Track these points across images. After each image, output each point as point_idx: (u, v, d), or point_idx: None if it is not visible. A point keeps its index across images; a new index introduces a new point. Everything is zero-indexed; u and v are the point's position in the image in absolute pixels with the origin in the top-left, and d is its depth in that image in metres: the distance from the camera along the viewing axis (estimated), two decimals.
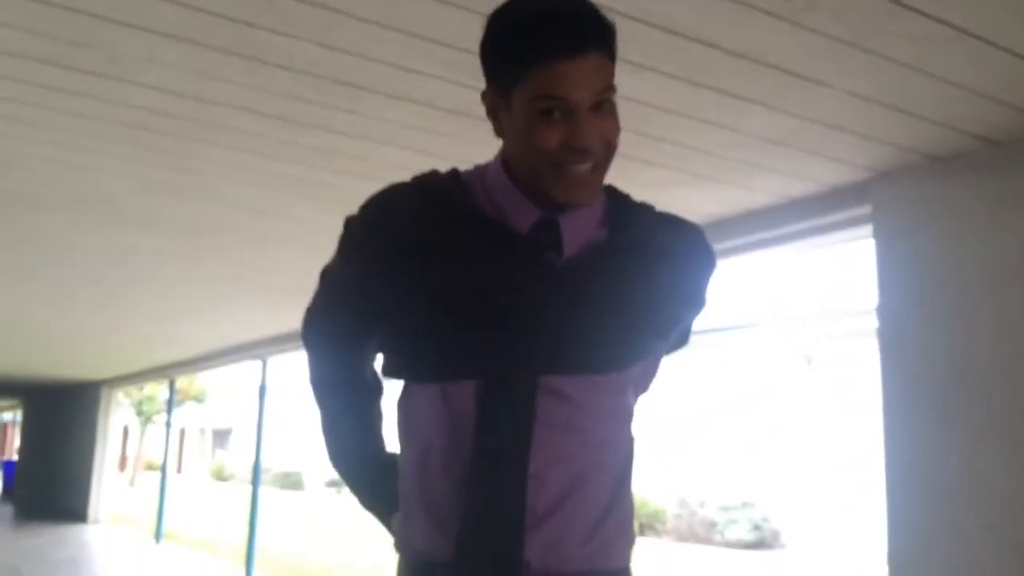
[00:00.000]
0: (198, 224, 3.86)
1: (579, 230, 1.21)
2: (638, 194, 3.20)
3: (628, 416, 1.27)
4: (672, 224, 1.32)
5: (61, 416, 17.09)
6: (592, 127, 1.10)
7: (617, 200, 1.29)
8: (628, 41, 1.94)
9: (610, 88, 1.12)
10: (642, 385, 1.31)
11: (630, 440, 1.27)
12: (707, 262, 1.34)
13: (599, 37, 1.11)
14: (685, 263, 1.29)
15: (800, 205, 3.06)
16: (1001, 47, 1.93)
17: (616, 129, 1.15)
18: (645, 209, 1.31)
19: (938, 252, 2.65)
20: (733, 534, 14.21)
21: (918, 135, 2.47)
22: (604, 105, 1.12)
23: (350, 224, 1.28)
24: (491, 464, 1.14)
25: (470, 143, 2.40)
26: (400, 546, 1.25)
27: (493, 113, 1.19)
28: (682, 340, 1.38)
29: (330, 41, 2.05)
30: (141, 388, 24.76)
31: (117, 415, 15.62)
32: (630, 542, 1.24)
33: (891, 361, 2.75)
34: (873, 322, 2.83)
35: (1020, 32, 1.89)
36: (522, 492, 1.13)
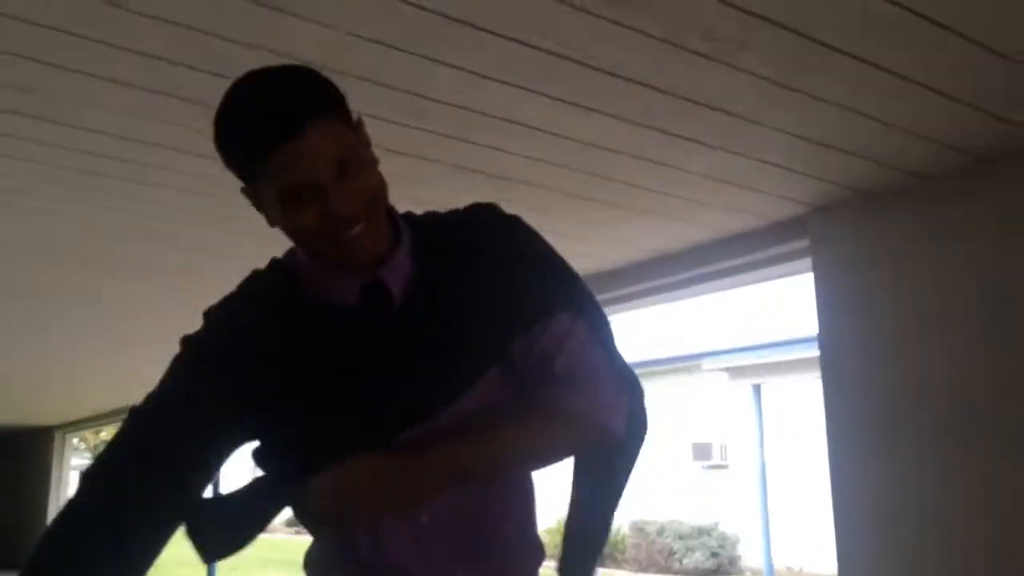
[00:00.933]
0: (151, 265, 3.82)
1: (399, 275, 1.22)
2: (587, 231, 3.25)
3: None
4: (461, 222, 1.31)
5: (11, 463, 16.62)
6: (344, 194, 1.09)
7: (418, 226, 1.29)
8: (578, 86, 2.02)
9: (349, 147, 1.11)
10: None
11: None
12: (505, 236, 1.31)
13: (315, 110, 1.08)
14: (490, 254, 1.26)
15: (742, 239, 3.13)
16: (920, 83, 2.00)
17: (372, 182, 1.15)
18: (437, 224, 1.31)
19: (875, 284, 2.73)
20: (691, 561, 14.25)
21: (850, 171, 2.55)
22: (350, 166, 1.10)
23: (190, 345, 1.26)
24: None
25: (415, 183, 2.43)
26: None
27: (257, 206, 1.18)
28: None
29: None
30: (98, 432, 24.16)
31: (72, 461, 15.23)
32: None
33: (832, 391, 2.82)
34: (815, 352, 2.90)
35: (935, 69, 1.96)
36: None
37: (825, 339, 2.86)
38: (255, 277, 1.29)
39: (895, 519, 2.58)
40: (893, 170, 2.53)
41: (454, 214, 1.32)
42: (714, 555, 14.40)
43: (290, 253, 1.29)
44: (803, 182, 2.64)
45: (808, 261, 2.93)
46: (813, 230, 2.88)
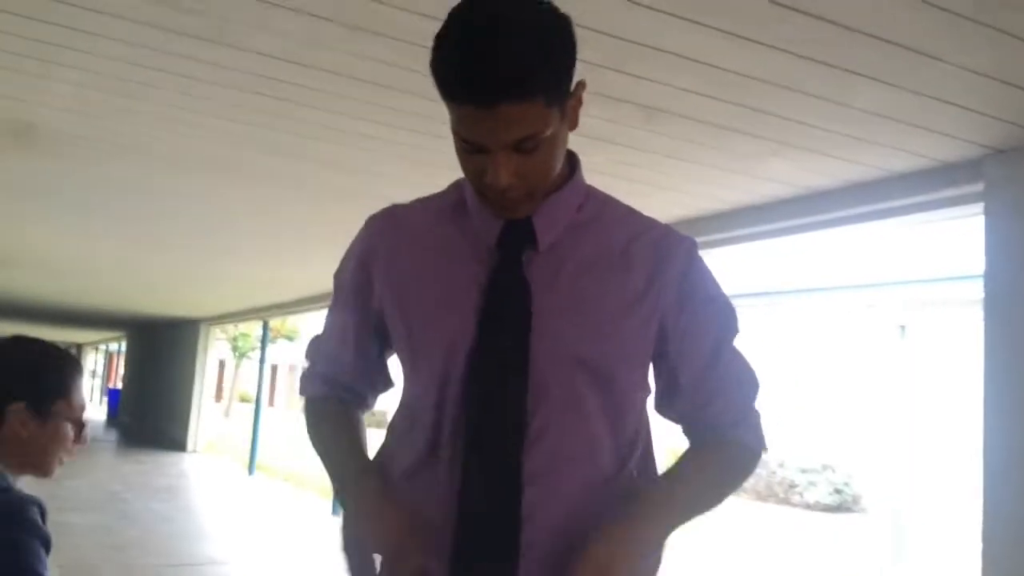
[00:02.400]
0: (294, 178, 3.95)
1: (556, 218, 1.22)
2: (737, 164, 3.15)
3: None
4: (643, 223, 1.29)
5: (163, 349, 17.93)
6: (505, 166, 1.09)
7: (599, 199, 1.30)
8: (733, 12, 1.91)
9: (531, 136, 1.08)
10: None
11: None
12: (679, 260, 1.26)
13: (517, 90, 1.04)
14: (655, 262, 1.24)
15: (907, 180, 2.95)
16: None
17: (541, 166, 1.13)
18: (618, 204, 1.31)
19: None
20: (813, 496, 14.03)
21: None
22: (525, 146, 1.09)
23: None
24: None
25: None
26: None
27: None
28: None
29: (431, 10, 2.05)
30: (236, 326, 25.69)
31: (214, 350, 16.28)
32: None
33: (995, 342, 2.66)
34: (970, 291, 2.74)
35: None
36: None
37: (991, 286, 2.69)
38: (438, 193, 1.34)
39: None
40: None
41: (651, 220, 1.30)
42: (837, 492, 14.15)
43: (462, 183, 1.31)
44: (981, 122, 2.45)
45: (979, 206, 2.74)
46: (989, 173, 2.68)
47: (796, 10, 1.88)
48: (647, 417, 1.29)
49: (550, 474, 1.16)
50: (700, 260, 1.28)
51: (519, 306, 1.18)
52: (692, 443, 1.30)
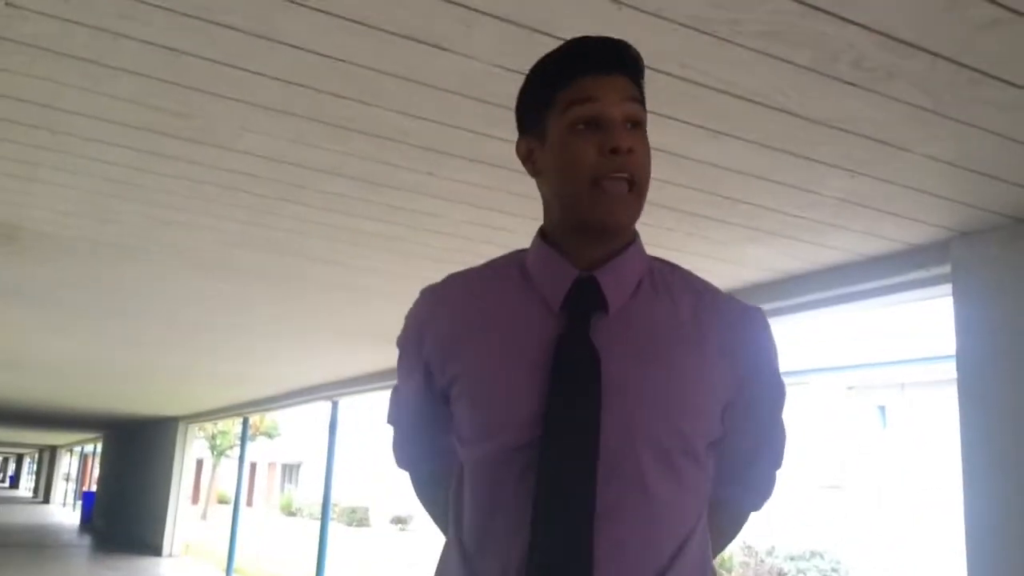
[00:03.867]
0: (278, 274, 3.98)
1: (619, 284, 1.20)
2: (714, 251, 3.22)
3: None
4: (720, 298, 1.27)
5: (139, 449, 17.57)
6: (626, 135, 1.14)
7: (659, 261, 1.28)
8: (707, 109, 2.00)
9: (639, 116, 1.17)
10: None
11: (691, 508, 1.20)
12: (759, 343, 1.25)
13: (627, 63, 1.18)
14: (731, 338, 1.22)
15: (878, 263, 3.03)
16: None
17: (647, 152, 1.18)
18: (688, 275, 1.29)
19: (1020, 312, 2.60)
20: None
21: (1001, 196, 2.44)
22: (638, 128, 1.17)
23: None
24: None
25: (539, 200, 2.45)
26: None
27: (528, 156, 1.24)
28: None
29: (412, 110, 2.13)
30: (215, 423, 25.33)
31: (192, 449, 15.99)
32: None
33: (971, 424, 2.69)
34: (948, 372, 2.78)
35: None
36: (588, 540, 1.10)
37: (964, 364, 2.74)
38: (495, 259, 1.33)
39: None
40: None
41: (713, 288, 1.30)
42: None
43: (523, 251, 1.30)
44: (948, 207, 2.54)
45: (948, 287, 2.81)
46: (956, 255, 2.76)
47: (765, 106, 1.97)
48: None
49: (614, 556, 1.11)
50: (770, 331, 1.27)
51: (588, 372, 1.13)
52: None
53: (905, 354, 9.76)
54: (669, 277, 1.26)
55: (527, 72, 1.24)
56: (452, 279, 1.32)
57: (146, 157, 2.53)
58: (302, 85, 2.02)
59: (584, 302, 1.18)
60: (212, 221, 3.18)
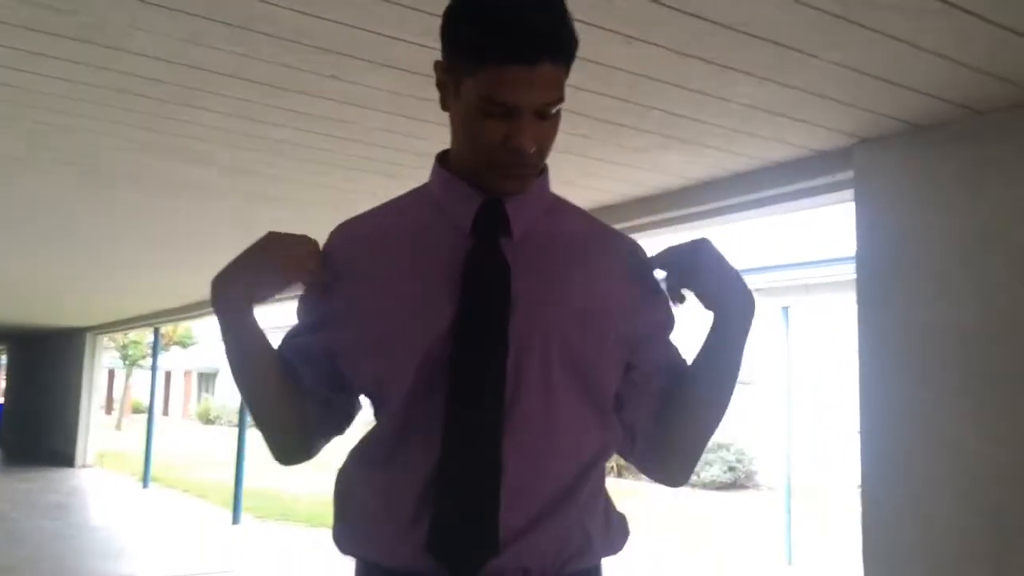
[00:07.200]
0: (184, 182, 3.85)
1: (523, 214, 1.23)
2: (626, 158, 3.23)
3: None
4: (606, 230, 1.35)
5: (47, 360, 17.13)
6: (531, 131, 1.12)
7: (560, 198, 1.33)
8: (619, 13, 1.97)
9: (558, 100, 1.13)
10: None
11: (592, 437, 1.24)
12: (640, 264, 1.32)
13: (557, 49, 1.10)
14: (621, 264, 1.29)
15: (784, 169, 3.09)
16: (988, 20, 1.95)
17: (553, 135, 1.17)
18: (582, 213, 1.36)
19: (918, 218, 2.69)
20: (709, 475, 14.51)
21: (902, 104, 2.49)
22: (548, 114, 1.13)
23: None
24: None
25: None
26: (352, 551, 1.24)
27: (442, 86, 1.19)
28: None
29: (314, 9, 2.04)
30: (126, 334, 24.75)
31: (102, 359, 15.66)
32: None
33: (867, 324, 2.81)
34: (847, 274, 2.88)
35: (1006, 6, 1.90)
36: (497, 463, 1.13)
37: (863, 271, 2.84)
38: (396, 198, 1.33)
39: (923, 458, 2.61)
40: (945, 103, 2.47)
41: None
42: (731, 469, 14.68)
43: (426, 184, 1.31)
44: (851, 114, 2.59)
45: (850, 192, 2.90)
46: (858, 161, 2.83)
47: (678, 10, 1.94)
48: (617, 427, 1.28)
49: (521, 464, 1.14)
50: (647, 258, 1.32)
51: (498, 283, 1.17)
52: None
53: (809, 257, 10.10)
54: (565, 208, 1.33)
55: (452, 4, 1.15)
56: (362, 216, 1.32)
57: (24, 56, 2.37)
58: None
59: (491, 225, 1.21)
60: (108, 127, 3.02)
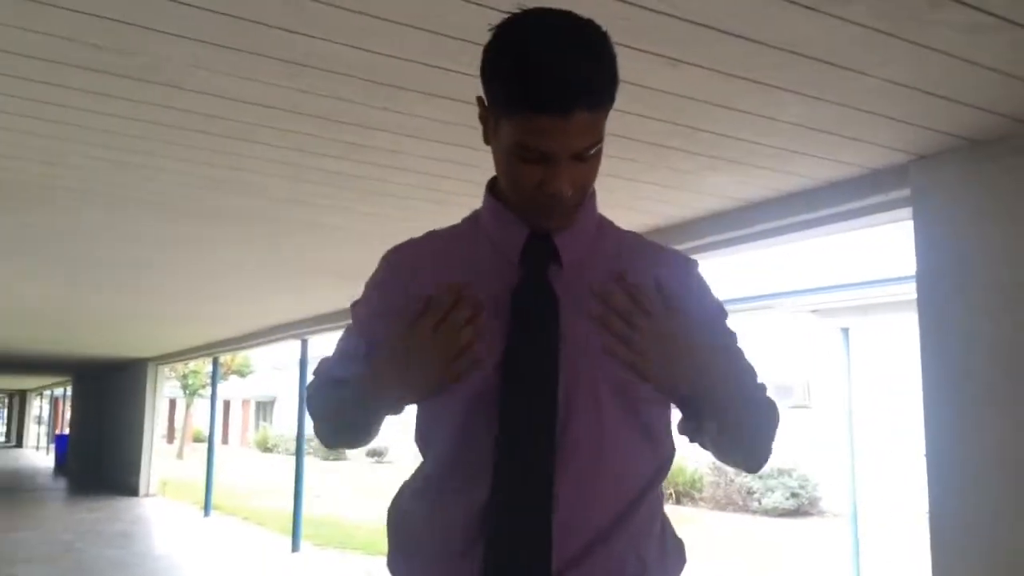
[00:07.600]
0: (243, 214, 3.94)
1: (573, 243, 1.23)
2: (675, 180, 3.22)
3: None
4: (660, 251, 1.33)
5: (110, 391, 17.55)
6: (568, 175, 1.11)
7: (613, 225, 1.32)
8: (664, 37, 1.98)
9: (596, 143, 1.11)
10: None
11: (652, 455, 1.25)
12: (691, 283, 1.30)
13: (593, 97, 1.07)
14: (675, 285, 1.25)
15: (838, 188, 3.05)
16: None
17: (594, 174, 1.16)
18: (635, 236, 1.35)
19: (980, 232, 2.64)
20: (771, 501, 14.20)
21: (958, 119, 2.45)
22: (586, 156, 1.12)
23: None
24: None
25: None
26: None
27: (483, 120, 1.19)
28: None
29: (365, 44, 2.08)
30: (186, 364, 25.25)
31: (164, 389, 15.96)
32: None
33: (930, 343, 2.75)
34: (907, 294, 2.83)
35: None
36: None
37: (924, 289, 2.79)
38: (451, 225, 1.34)
39: (989, 471, 2.54)
40: (1001, 117, 2.42)
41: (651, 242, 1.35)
42: (794, 495, 14.33)
43: (477, 211, 1.32)
44: (906, 131, 2.55)
45: (907, 210, 2.85)
46: (914, 179, 2.79)
47: (722, 31, 1.95)
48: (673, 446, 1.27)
49: (573, 492, 1.14)
50: (702, 279, 1.32)
51: (547, 317, 1.17)
52: None
53: (867, 276, 9.90)
54: (619, 236, 1.31)
55: (494, 33, 1.12)
56: (410, 243, 1.33)
57: (85, 96, 2.46)
58: (252, 20, 1.96)
59: (540, 256, 1.21)
60: (170, 163, 3.12)
